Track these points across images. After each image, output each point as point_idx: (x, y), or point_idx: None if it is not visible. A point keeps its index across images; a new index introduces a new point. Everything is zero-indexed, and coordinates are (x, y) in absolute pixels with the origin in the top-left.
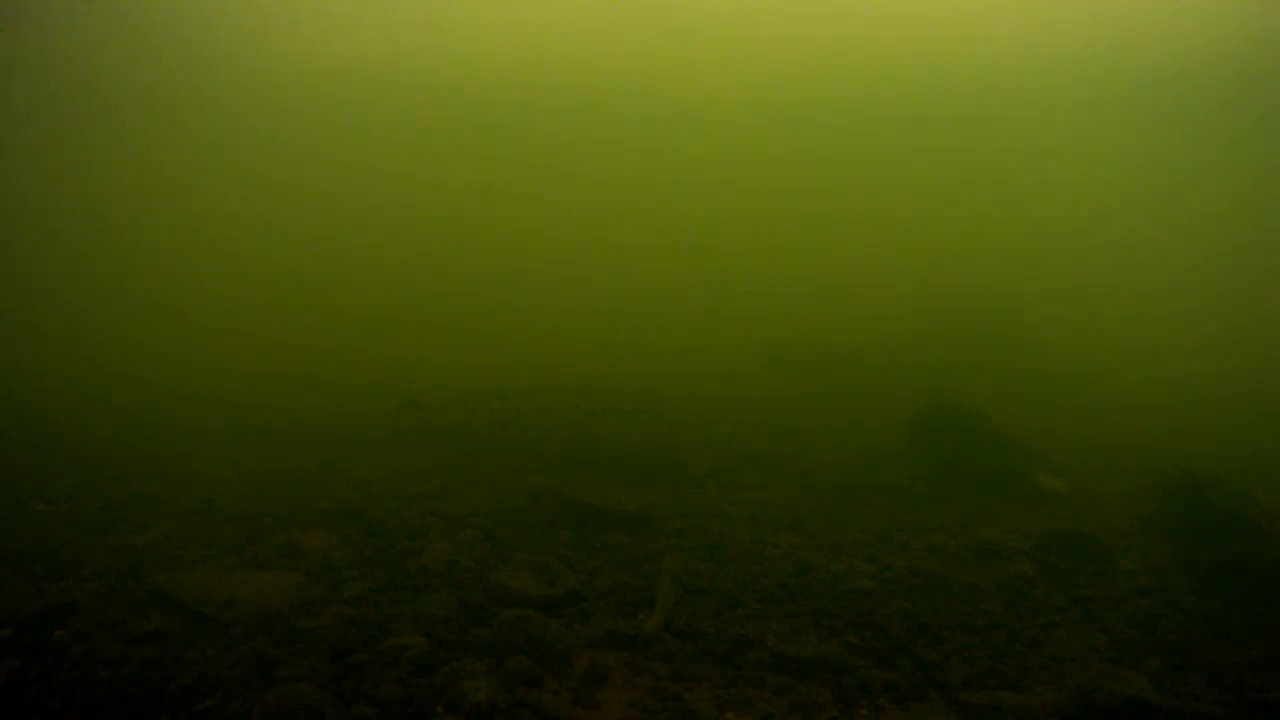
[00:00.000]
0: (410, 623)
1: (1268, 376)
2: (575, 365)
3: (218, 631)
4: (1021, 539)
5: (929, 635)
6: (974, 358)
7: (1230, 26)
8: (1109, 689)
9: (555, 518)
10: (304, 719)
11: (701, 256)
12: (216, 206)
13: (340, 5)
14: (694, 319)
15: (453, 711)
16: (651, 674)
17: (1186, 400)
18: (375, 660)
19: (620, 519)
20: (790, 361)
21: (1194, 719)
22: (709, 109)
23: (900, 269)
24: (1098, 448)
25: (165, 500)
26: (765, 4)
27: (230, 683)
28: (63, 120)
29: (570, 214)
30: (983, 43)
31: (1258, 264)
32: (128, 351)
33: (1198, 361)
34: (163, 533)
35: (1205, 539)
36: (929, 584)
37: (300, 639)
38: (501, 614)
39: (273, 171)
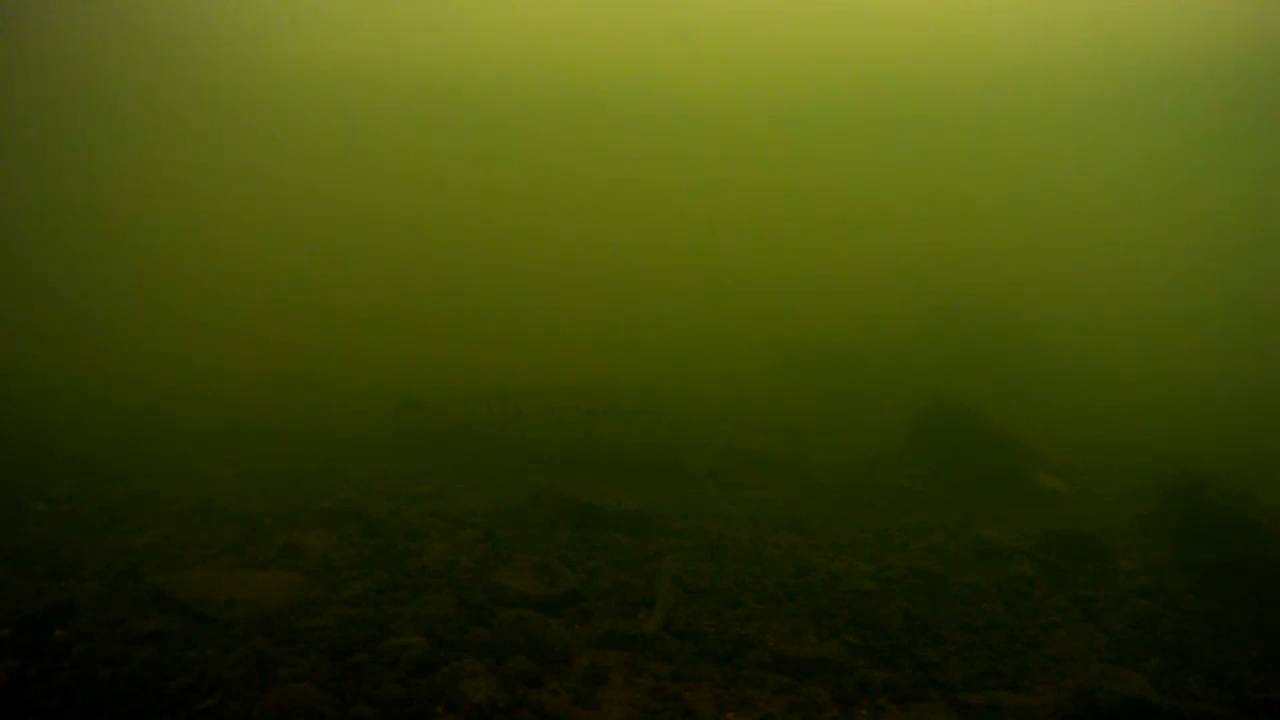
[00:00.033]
0: (410, 623)
1: (1268, 376)
2: (575, 365)
3: (218, 631)
4: (1021, 539)
5: (929, 635)
6: (974, 358)
7: (1230, 26)
8: (1109, 689)
9: (555, 518)
10: (304, 719)
11: (702, 257)
12: (216, 206)
13: (340, 5)
14: (694, 319)
15: (453, 711)
16: (651, 674)
17: (1186, 400)
18: (375, 660)
19: (620, 519)
20: (790, 361)
21: (1194, 719)
22: (709, 109)
23: (900, 269)
24: (1098, 448)
25: (165, 500)
26: (765, 4)
27: (230, 683)
28: (63, 120)
29: (570, 214)
30: (983, 43)
31: (1258, 264)
32: (128, 351)
33: (1198, 361)
34: (163, 533)
35: (1205, 539)
36: (929, 584)
37: (300, 639)
38: (501, 614)
39: (272, 171)
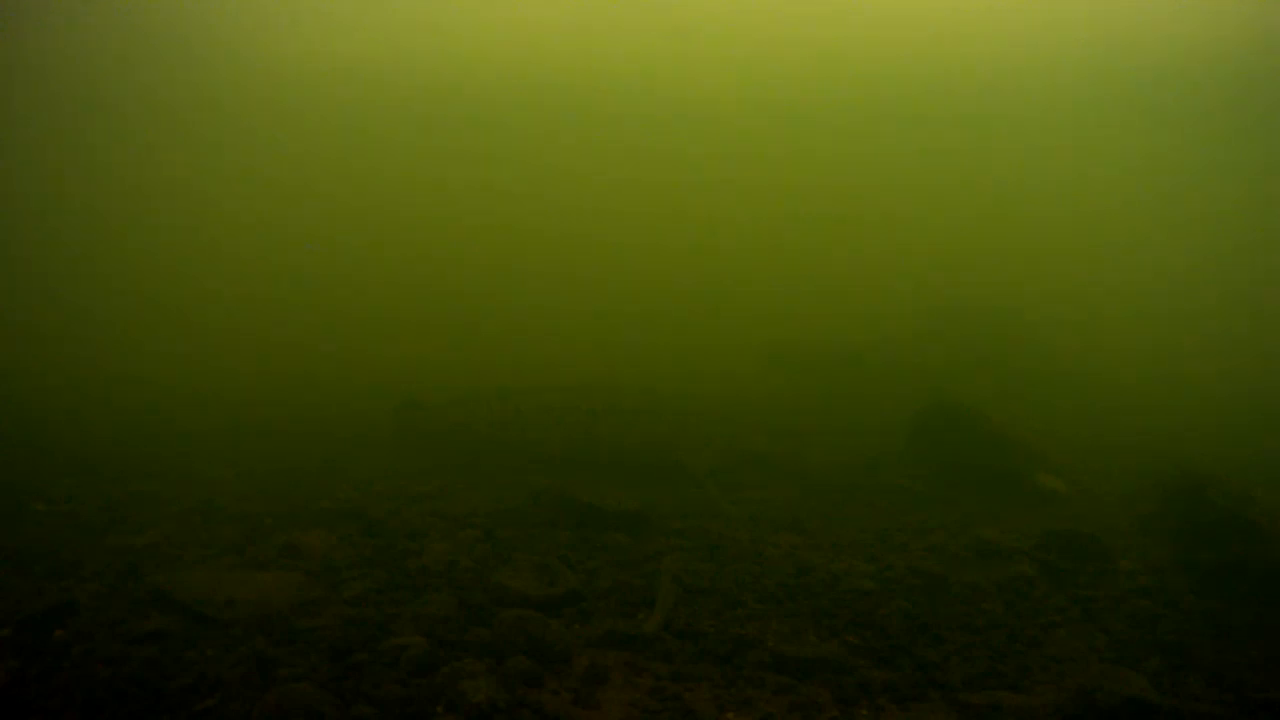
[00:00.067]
0: (410, 623)
1: (1268, 376)
2: (575, 365)
3: (218, 631)
4: (1021, 539)
5: (929, 635)
6: (974, 358)
7: (1230, 26)
8: (1109, 689)
9: (555, 518)
10: (304, 719)
11: (701, 256)
12: (216, 206)
13: (340, 5)
14: (694, 319)
15: (453, 711)
16: (651, 674)
17: (1186, 400)
18: (375, 660)
19: (620, 519)
20: (790, 361)
21: (1194, 719)
22: (709, 109)
23: (900, 269)
24: (1098, 448)
25: (165, 500)
26: (765, 4)
27: (230, 683)
28: (63, 120)
29: (570, 214)
30: (983, 43)
31: (1258, 264)
32: (128, 351)
33: (1198, 361)
34: (163, 533)
35: (1205, 539)
36: (929, 584)
37: (300, 639)
38: (501, 614)
39: (272, 171)
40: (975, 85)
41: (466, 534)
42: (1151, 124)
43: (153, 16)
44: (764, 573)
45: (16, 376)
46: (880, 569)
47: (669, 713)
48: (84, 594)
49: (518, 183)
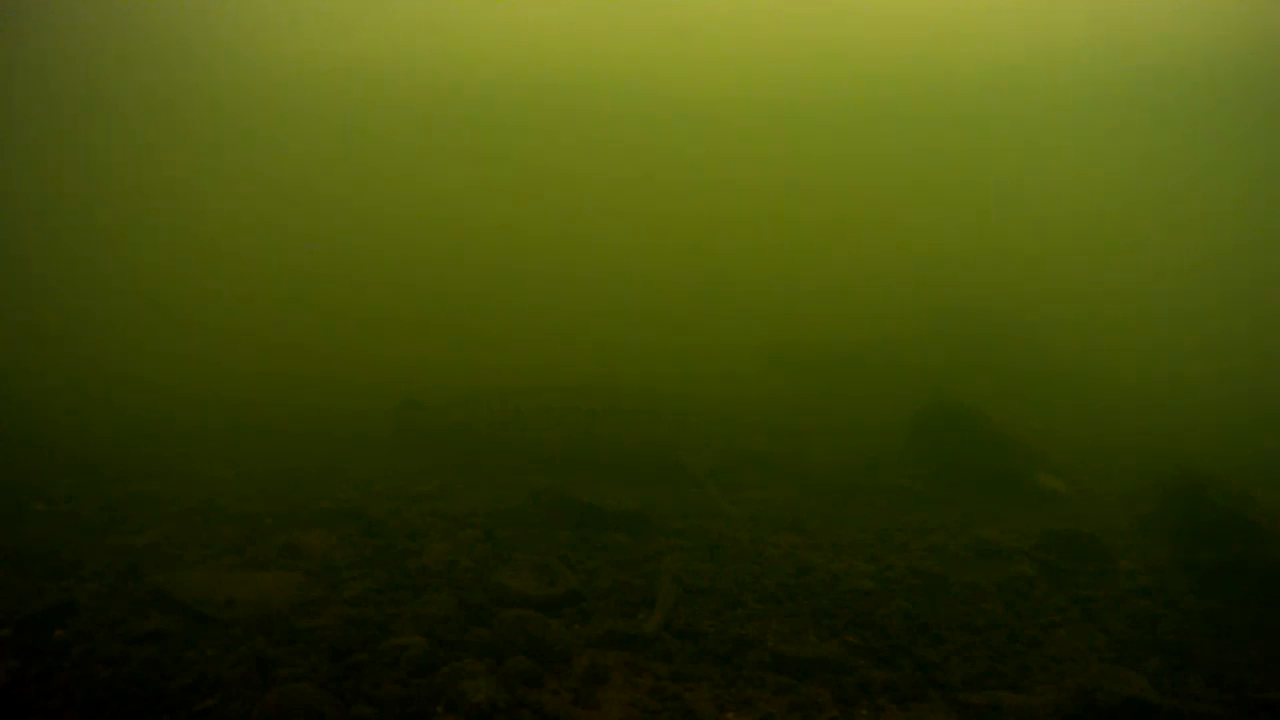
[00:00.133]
0: (410, 623)
1: (1268, 376)
2: (575, 365)
3: (218, 631)
4: (1021, 539)
5: (929, 635)
6: (974, 358)
7: (1230, 26)
8: (1109, 689)
9: (555, 518)
10: (304, 719)
11: (701, 256)
12: (216, 206)
13: (340, 5)
14: (694, 319)
15: (453, 711)
16: (651, 674)
17: (1186, 400)
18: (375, 660)
19: (620, 519)
20: (790, 361)
21: (1194, 719)
22: (709, 109)
23: (900, 269)
24: (1098, 448)
25: (165, 500)
26: (765, 4)
27: (230, 683)
28: (63, 120)
29: (570, 214)
30: (983, 43)
31: (1258, 264)
32: (128, 351)
33: (1198, 361)
34: (163, 533)
35: (1205, 539)
36: (929, 584)
37: (300, 639)
38: (501, 614)
39: (272, 171)
40: (975, 85)
41: (466, 534)
42: (1151, 124)
43: (153, 16)
44: (764, 573)
45: (16, 376)
46: (880, 569)
47: (669, 713)
48: (84, 594)
49: (518, 183)
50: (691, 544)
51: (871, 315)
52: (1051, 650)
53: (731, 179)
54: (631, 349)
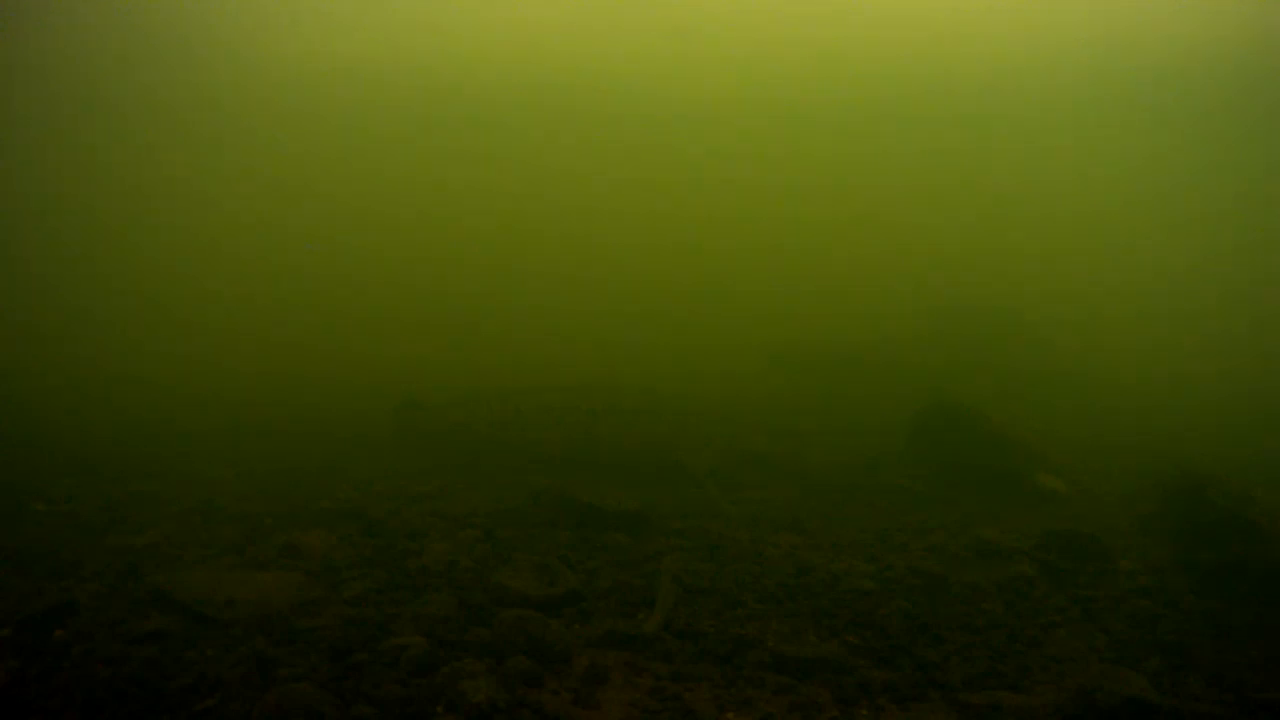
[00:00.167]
0: (410, 623)
1: (1268, 376)
2: (575, 365)
3: (218, 631)
4: (1021, 539)
5: (929, 635)
6: (974, 358)
7: (1230, 26)
8: (1109, 689)
9: (555, 518)
10: (304, 719)
11: (702, 256)
12: (216, 206)
13: (340, 5)
14: (694, 319)
15: (453, 711)
16: (651, 674)
17: (1186, 400)
18: (375, 660)
19: (620, 519)
20: (790, 362)
21: (1194, 719)
22: (709, 109)
23: (900, 269)
24: (1098, 448)
25: (165, 500)
26: (765, 4)
27: (230, 683)
28: (63, 120)
29: (570, 214)
30: (983, 43)
31: (1258, 264)
32: (128, 351)
33: (1198, 361)
34: (163, 533)
35: (1205, 539)
36: (929, 584)
37: (300, 639)
38: (501, 614)
39: (272, 171)
40: (975, 85)
41: (466, 534)
42: (1151, 124)
43: (153, 16)
44: (764, 573)
45: (16, 376)
46: (880, 569)
47: (669, 713)
48: (84, 594)
49: (518, 183)
50: (691, 544)
51: (871, 315)
52: (1051, 650)
53: (731, 179)
54: (631, 349)
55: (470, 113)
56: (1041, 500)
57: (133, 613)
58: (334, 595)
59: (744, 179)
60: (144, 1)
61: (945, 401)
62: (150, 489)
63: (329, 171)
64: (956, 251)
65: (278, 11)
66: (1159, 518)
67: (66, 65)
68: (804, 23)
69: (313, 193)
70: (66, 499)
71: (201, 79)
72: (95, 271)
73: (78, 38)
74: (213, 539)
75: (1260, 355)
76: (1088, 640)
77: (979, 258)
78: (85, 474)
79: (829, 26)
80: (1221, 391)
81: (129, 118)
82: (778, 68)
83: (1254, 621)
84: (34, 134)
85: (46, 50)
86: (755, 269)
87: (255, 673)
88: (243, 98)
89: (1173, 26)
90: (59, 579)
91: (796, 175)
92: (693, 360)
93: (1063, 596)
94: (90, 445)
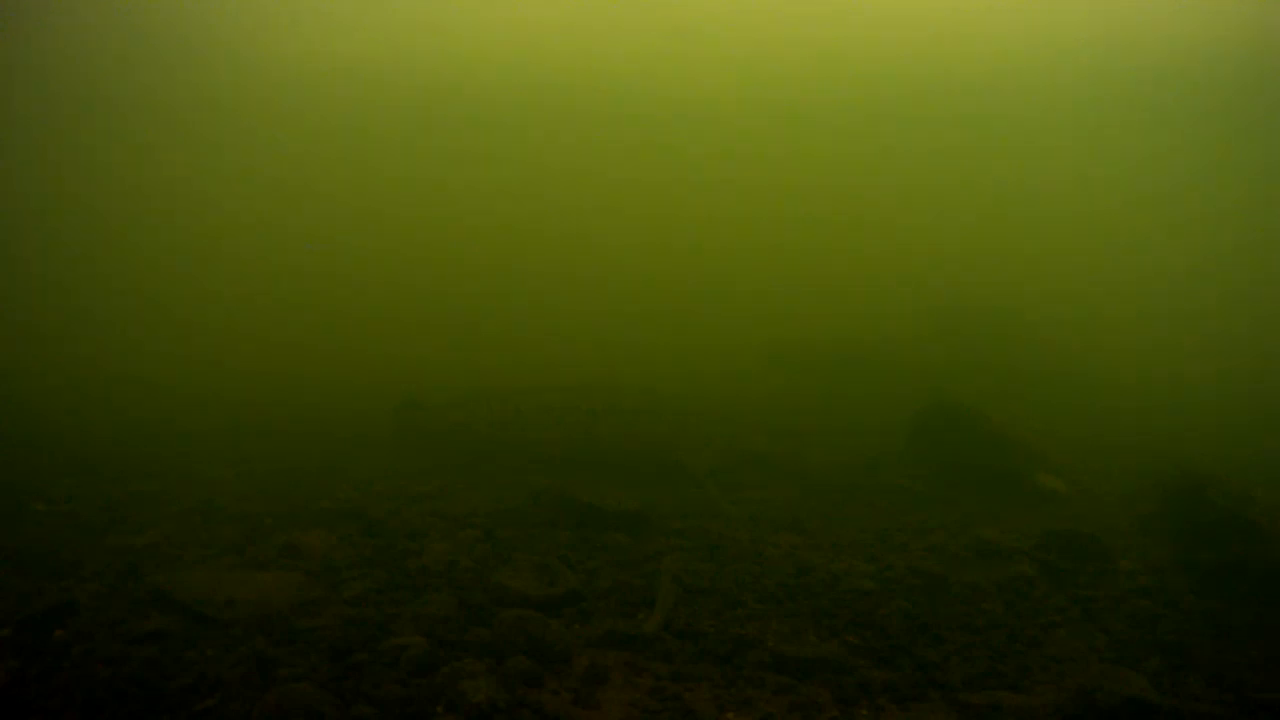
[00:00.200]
0: (410, 623)
1: (1268, 376)
2: (575, 365)
3: (218, 631)
4: (1021, 539)
5: (929, 635)
6: (974, 358)
7: (1230, 26)
8: (1109, 689)
9: (555, 518)
10: (304, 719)
11: (702, 256)
12: (216, 206)
13: (340, 5)
14: (694, 319)
15: (453, 711)
16: (651, 674)
17: (1186, 400)
18: (375, 660)
19: (620, 519)
20: (790, 361)
21: (1194, 719)
22: (709, 109)
23: (900, 269)
24: (1098, 448)
25: (165, 500)
26: (765, 4)
27: (230, 683)
28: (63, 120)
29: (570, 214)
30: (983, 43)
31: (1258, 264)
32: (128, 351)
33: (1198, 361)
34: (163, 533)
35: (1205, 539)
36: (929, 584)
37: (300, 639)
38: (501, 614)
39: (272, 171)
40: (975, 85)
41: (466, 534)
42: (1151, 124)
43: (153, 16)
44: (764, 573)
45: (16, 376)
46: (880, 569)
47: (669, 713)
48: (84, 594)
49: (518, 183)
50: (691, 544)
51: (871, 315)
52: (1051, 650)
53: (731, 179)
54: (631, 349)
55: (470, 113)
56: (1041, 500)
57: (133, 613)
58: (334, 595)
59: (744, 179)
60: (144, 1)
61: (945, 401)
62: (150, 489)
63: (329, 171)
64: (956, 251)
65: (278, 11)
66: (1159, 518)
67: (66, 65)
68: (804, 23)
69: (313, 193)
70: (66, 499)
71: (201, 79)
72: (95, 271)
73: (78, 38)
74: (213, 539)
75: (1260, 355)
76: (1088, 640)
77: (979, 258)
78: (85, 474)
79: (829, 26)
80: (1221, 391)
81: (129, 118)
82: (778, 68)
83: (1254, 621)
84: (34, 134)
85: (46, 50)
86: (755, 269)
87: (255, 673)
88: (243, 98)
89: (1173, 26)
90: (59, 579)
91: (796, 175)
92: (693, 360)
93: (1063, 596)
94: (90, 445)
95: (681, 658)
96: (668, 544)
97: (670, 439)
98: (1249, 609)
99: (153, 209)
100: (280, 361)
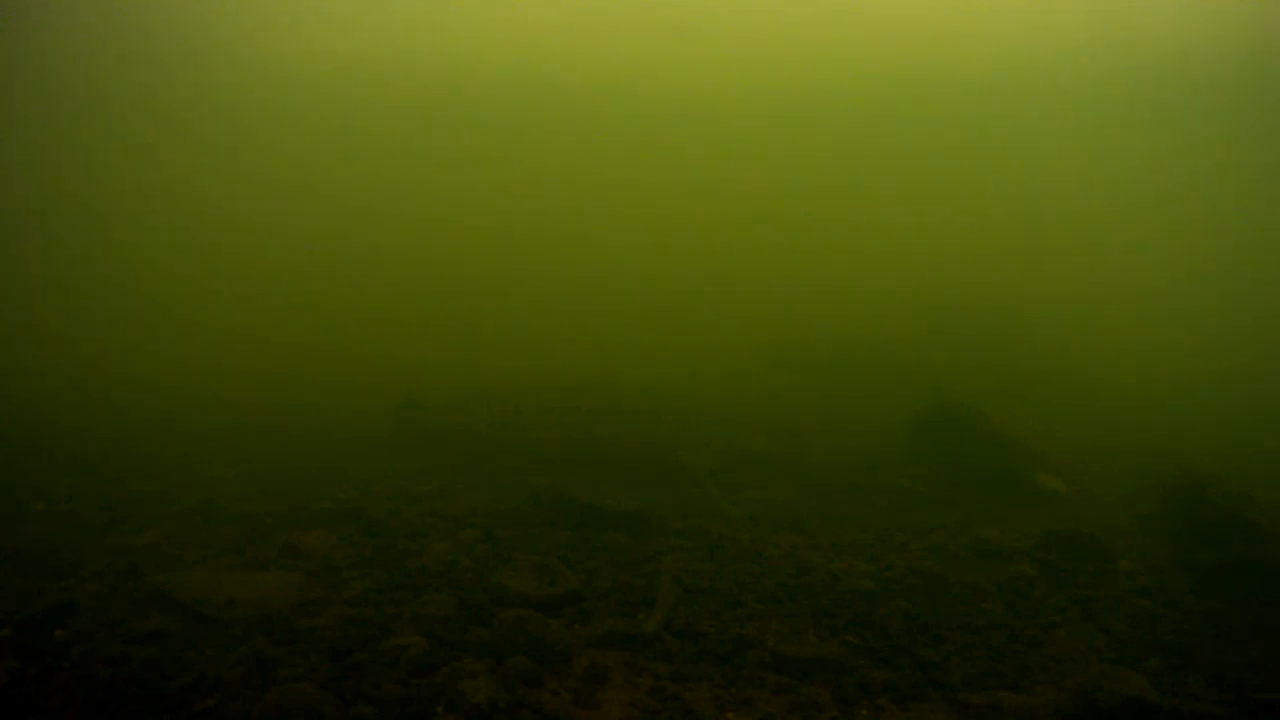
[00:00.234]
0: (410, 623)
1: (1268, 376)
2: (575, 365)
3: (218, 631)
4: (1021, 539)
5: (929, 635)
6: (974, 358)
7: (1230, 26)
8: (1109, 689)
9: (555, 518)
10: (304, 719)
11: (702, 256)
12: (216, 206)
13: (340, 5)
14: (694, 319)
15: (453, 711)
16: (651, 674)
17: (1186, 400)
18: (375, 660)
19: (620, 519)
20: (790, 361)
21: (1194, 719)
22: (709, 109)
23: (900, 269)
24: (1098, 448)
25: (165, 500)
26: (765, 4)
27: (230, 683)
28: (63, 120)
29: (570, 214)
30: (983, 43)
31: (1258, 264)
32: (128, 351)
33: (1198, 361)
34: (163, 533)
35: (1205, 539)
36: (929, 584)
37: (300, 639)
38: (501, 614)
39: (272, 171)
40: (975, 85)
41: (466, 534)
42: (1151, 124)
43: (153, 16)
44: (764, 573)
45: (16, 376)
46: (880, 569)
47: (669, 713)
48: (84, 594)
49: (518, 183)
50: (691, 544)
51: (872, 315)
52: (1051, 650)
53: (731, 179)
54: (631, 349)
55: (470, 113)
56: (1041, 500)
57: (133, 613)
58: (334, 595)
59: (744, 179)
60: (144, 1)
61: (945, 401)
62: (150, 489)
63: (329, 171)
64: (956, 251)
65: (278, 11)
66: (1159, 518)
67: (66, 65)
68: (804, 23)
69: (313, 193)
70: (66, 499)
71: (201, 79)
72: (95, 271)
73: (78, 38)
74: (213, 539)
75: (1260, 355)
76: (1088, 640)
77: (979, 258)
78: (85, 474)
79: (829, 26)
80: (1221, 391)
81: (129, 118)
82: (778, 68)
83: (1254, 621)
84: (34, 134)
85: (46, 50)
86: (755, 269)
87: (255, 673)
88: (243, 98)
89: (1173, 26)
90: (59, 579)
91: (796, 175)
92: (693, 360)
93: (1063, 596)
94: (90, 445)
95: (681, 658)
96: (668, 544)
97: (670, 439)
98: (1249, 609)
99: (153, 209)
100: (280, 361)
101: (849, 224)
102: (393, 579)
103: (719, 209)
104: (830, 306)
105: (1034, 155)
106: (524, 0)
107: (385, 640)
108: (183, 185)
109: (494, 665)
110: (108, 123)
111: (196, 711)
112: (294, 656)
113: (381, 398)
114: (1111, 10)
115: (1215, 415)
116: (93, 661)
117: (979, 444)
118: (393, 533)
